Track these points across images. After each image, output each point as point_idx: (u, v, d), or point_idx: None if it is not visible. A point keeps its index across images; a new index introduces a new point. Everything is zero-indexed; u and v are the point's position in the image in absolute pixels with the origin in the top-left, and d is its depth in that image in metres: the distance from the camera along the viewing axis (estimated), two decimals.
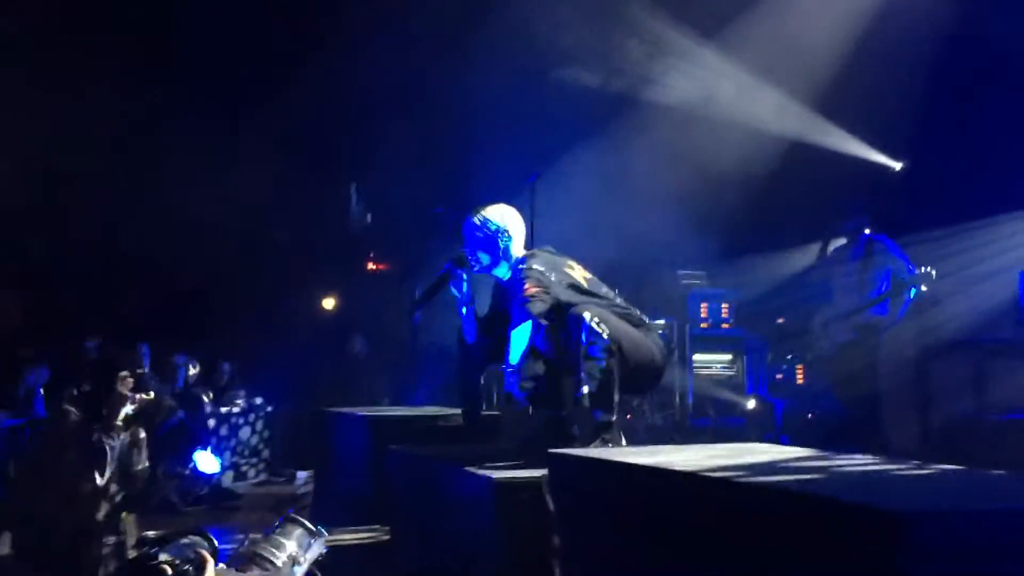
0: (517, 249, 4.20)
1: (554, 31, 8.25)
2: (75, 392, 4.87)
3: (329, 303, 10.50)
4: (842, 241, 6.93)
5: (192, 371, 7.90)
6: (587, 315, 3.83)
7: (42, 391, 7.38)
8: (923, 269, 6.40)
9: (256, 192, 9.41)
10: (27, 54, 9.27)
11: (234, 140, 9.23)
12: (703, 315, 8.58)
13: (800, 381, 8.35)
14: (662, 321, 8.52)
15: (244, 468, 8.16)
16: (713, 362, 8.50)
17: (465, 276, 4.16)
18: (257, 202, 9.44)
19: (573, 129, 8.31)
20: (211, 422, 7.85)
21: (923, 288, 6.34)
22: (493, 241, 4.14)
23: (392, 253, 10.28)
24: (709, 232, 8.66)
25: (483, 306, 4.31)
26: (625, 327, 3.97)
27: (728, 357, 8.53)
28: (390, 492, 4.40)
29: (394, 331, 9.28)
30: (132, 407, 4.77)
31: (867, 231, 6.75)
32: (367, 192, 10.68)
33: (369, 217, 10.97)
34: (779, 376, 8.60)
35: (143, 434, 4.84)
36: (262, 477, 8.31)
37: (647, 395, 8.15)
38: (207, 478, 6.51)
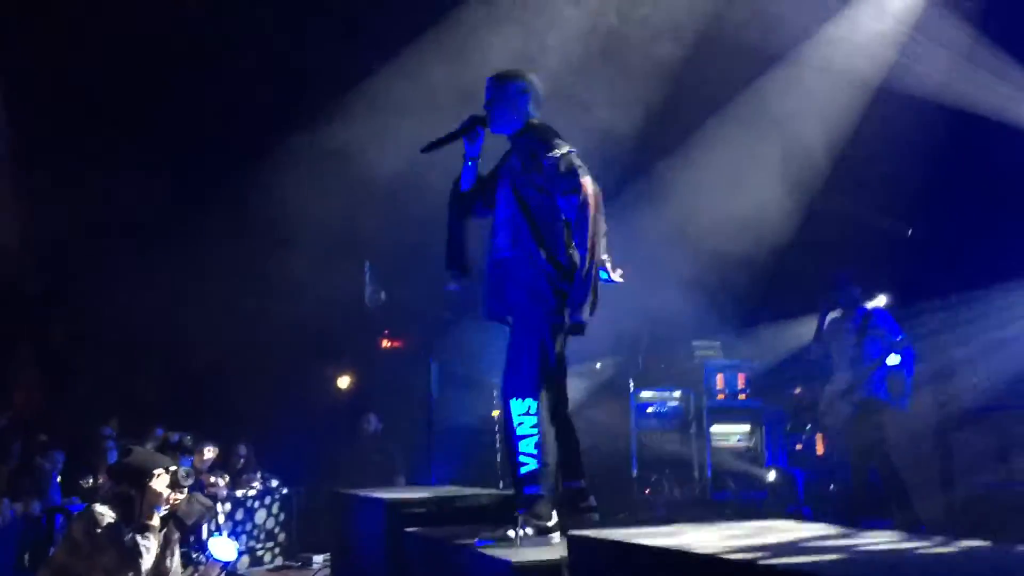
0: (536, 113, 4.12)
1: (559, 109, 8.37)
2: (104, 489, 4.78)
3: (344, 382, 10.49)
4: (837, 313, 6.92)
5: (209, 455, 7.87)
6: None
7: (58, 478, 7.37)
8: (898, 339, 6.44)
9: (268, 272, 9.48)
10: (43, 142, 9.49)
11: (245, 222, 9.31)
12: (719, 386, 8.55)
13: (820, 452, 8.26)
14: (678, 392, 8.51)
15: (260, 553, 8.08)
16: (731, 434, 8.43)
17: (481, 135, 4.10)
18: (270, 282, 9.50)
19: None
20: (227, 506, 7.80)
21: (891, 361, 6.36)
22: (513, 97, 4.08)
23: (406, 330, 10.29)
24: (723, 303, 8.67)
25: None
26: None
27: (746, 428, 8.47)
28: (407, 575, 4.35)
29: (409, 409, 9.26)
30: (166, 508, 4.69)
31: (866, 304, 6.76)
32: (380, 270, 10.73)
33: (383, 295, 11.01)
34: (798, 447, 8.52)
35: (176, 535, 4.76)
36: (278, 562, 8.21)
37: (666, 470, 8.10)
38: (224, 565, 6.43)
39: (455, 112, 4.28)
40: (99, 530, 4.47)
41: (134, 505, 4.56)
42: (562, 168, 3.84)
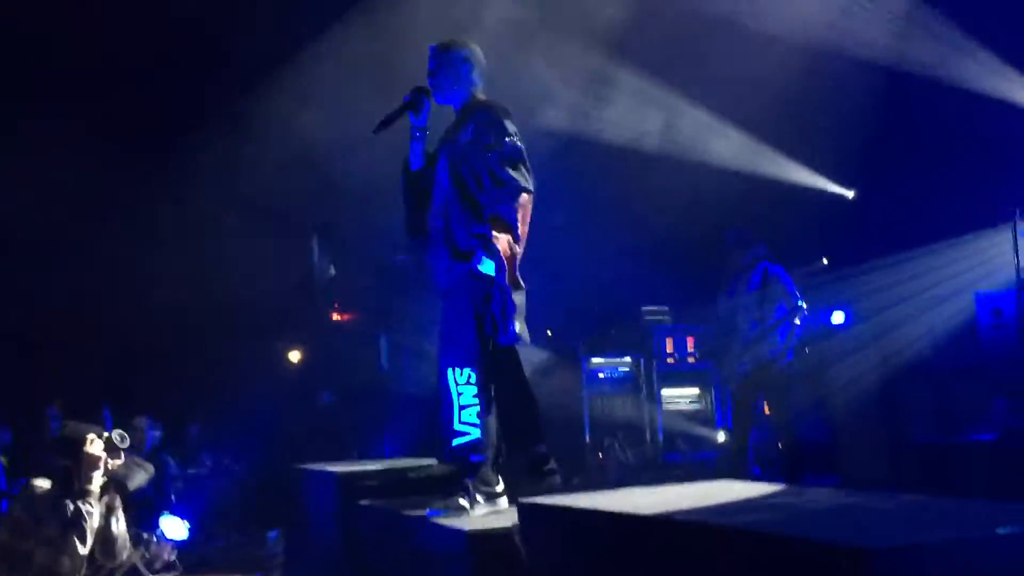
0: (479, 83, 4.10)
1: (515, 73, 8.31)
2: (42, 464, 4.72)
3: (295, 356, 10.41)
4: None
5: (156, 433, 7.78)
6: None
7: (2, 461, 7.23)
8: (800, 303, 6.52)
9: (215, 247, 9.36)
10: None
11: (189, 194, 9.16)
12: (669, 350, 8.63)
13: (768, 412, 8.40)
14: (629, 358, 8.58)
15: (214, 530, 8.02)
16: (681, 397, 8.53)
17: (427, 106, 4.06)
18: (216, 257, 9.38)
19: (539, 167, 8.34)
20: (179, 484, 7.73)
21: (796, 321, 6.45)
22: (456, 66, 4.07)
23: (357, 303, 10.23)
24: (671, 269, 8.74)
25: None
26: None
27: (696, 391, 8.58)
28: (362, 549, 4.35)
29: (362, 382, 9.23)
30: (104, 473, 4.63)
31: (766, 262, 6.79)
32: (329, 243, 10.65)
33: (333, 268, 10.93)
34: None
35: (118, 500, 4.70)
36: (233, 538, 8.16)
37: (618, 434, 8.18)
38: (175, 544, 6.37)
39: (392, 80, 4.24)
40: (38, 503, 4.42)
41: (72, 475, 4.51)
42: (506, 166, 3.79)
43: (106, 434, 4.72)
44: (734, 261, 6.82)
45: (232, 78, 9.18)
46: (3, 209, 9.31)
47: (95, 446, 4.59)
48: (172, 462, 7.67)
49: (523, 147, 3.85)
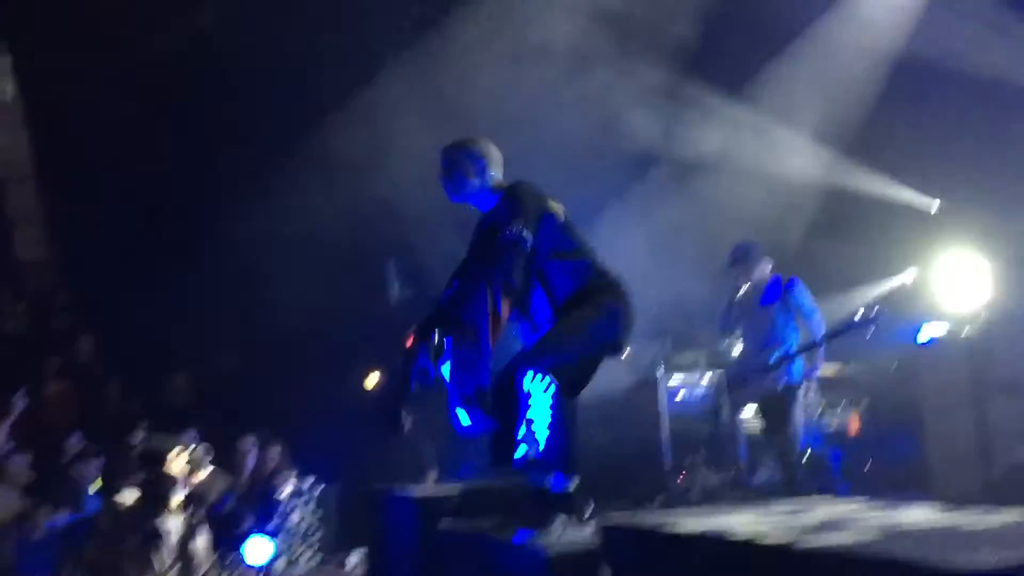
0: (496, 177, 4.12)
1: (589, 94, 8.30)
2: (126, 483, 4.81)
3: (372, 380, 10.50)
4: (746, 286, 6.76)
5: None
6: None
7: (90, 488, 7.41)
8: (817, 317, 6.38)
9: (292, 274, 9.52)
10: (67, 158, 9.59)
11: (268, 224, 9.35)
12: None
13: (855, 429, 8.17)
14: (708, 376, 8.43)
15: (297, 552, 8.10)
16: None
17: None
18: (294, 284, 9.53)
19: (616, 186, 8.29)
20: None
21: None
22: (469, 162, 4.09)
23: None
24: None
25: None
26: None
27: None
28: (443, 571, 4.33)
29: (437, 404, 9.23)
30: (185, 489, 4.70)
31: (778, 276, 6.63)
32: (404, 266, 10.75)
33: (408, 292, 11.03)
34: (832, 426, 8.42)
35: (201, 518, 4.76)
36: (315, 560, 8.23)
37: (699, 453, 8.03)
38: (258, 570, 6.45)
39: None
40: (121, 516, 4.50)
41: (154, 489, 4.58)
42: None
43: (190, 447, 4.79)
44: (742, 274, 6.66)
45: (309, 112, 9.40)
46: (89, 242, 9.66)
47: (176, 462, 4.66)
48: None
49: (521, 238, 3.76)
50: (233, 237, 9.38)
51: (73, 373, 9.88)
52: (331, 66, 8.87)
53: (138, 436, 8.10)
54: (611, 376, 7.08)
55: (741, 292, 6.70)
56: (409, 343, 3.83)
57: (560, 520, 3.66)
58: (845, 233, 8.29)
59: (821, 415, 8.41)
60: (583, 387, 3.87)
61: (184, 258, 10.00)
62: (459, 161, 4.10)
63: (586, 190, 8.11)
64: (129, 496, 4.65)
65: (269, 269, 9.36)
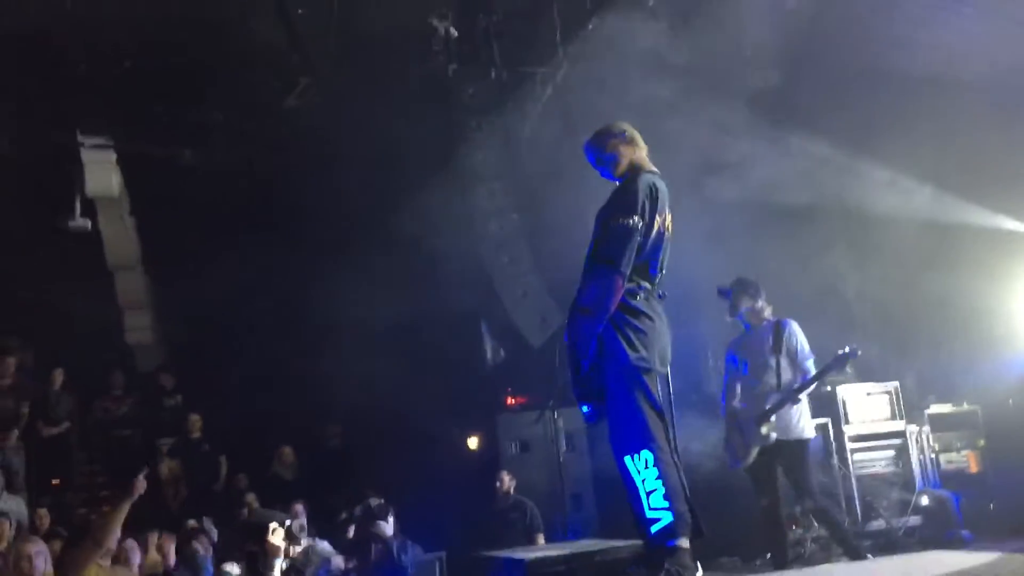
0: (637, 157, 4.20)
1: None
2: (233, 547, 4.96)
3: (473, 442, 10.52)
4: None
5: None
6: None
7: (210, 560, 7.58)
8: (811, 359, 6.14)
9: (389, 340, 9.69)
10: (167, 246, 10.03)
11: (359, 287, 9.55)
12: (857, 411, 8.19)
13: (974, 470, 7.85)
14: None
15: None
16: (875, 460, 8.05)
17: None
18: (391, 349, 9.68)
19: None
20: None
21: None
22: (609, 140, 4.22)
23: (528, 386, 10.30)
24: (859, 328, 8.42)
25: None
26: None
27: (891, 453, 8.07)
28: None
29: (540, 465, 9.22)
30: (286, 560, 4.83)
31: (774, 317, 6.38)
32: (497, 326, 10.82)
33: (502, 352, 11.08)
34: (950, 467, 8.10)
35: None
36: None
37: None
38: None
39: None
40: None
41: (257, 560, 4.74)
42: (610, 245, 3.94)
43: (288, 522, 4.94)
44: (738, 312, 6.42)
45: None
46: (195, 324, 10.01)
47: (277, 535, 4.82)
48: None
49: (635, 227, 3.89)
50: (333, 312, 9.60)
51: (184, 451, 10.21)
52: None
53: (246, 510, 8.31)
54: (713, 427, 6.96)
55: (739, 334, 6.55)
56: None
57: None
58: (951, 266, 8.06)
59: (937, 457, 8.13)
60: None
61: (284, 333, 10.29)
62: (602, 140, 4.26)
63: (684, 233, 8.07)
64: (234, 568, 4.82)
65: (368, 339, 9.52)
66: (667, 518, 3.70)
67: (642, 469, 3.74)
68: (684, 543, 3.71)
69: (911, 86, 7.93)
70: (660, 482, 3.72)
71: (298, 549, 5.05)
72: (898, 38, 7.93)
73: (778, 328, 6.30)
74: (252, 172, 9.84)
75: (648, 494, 3.73)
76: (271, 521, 4.96)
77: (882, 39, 7.97)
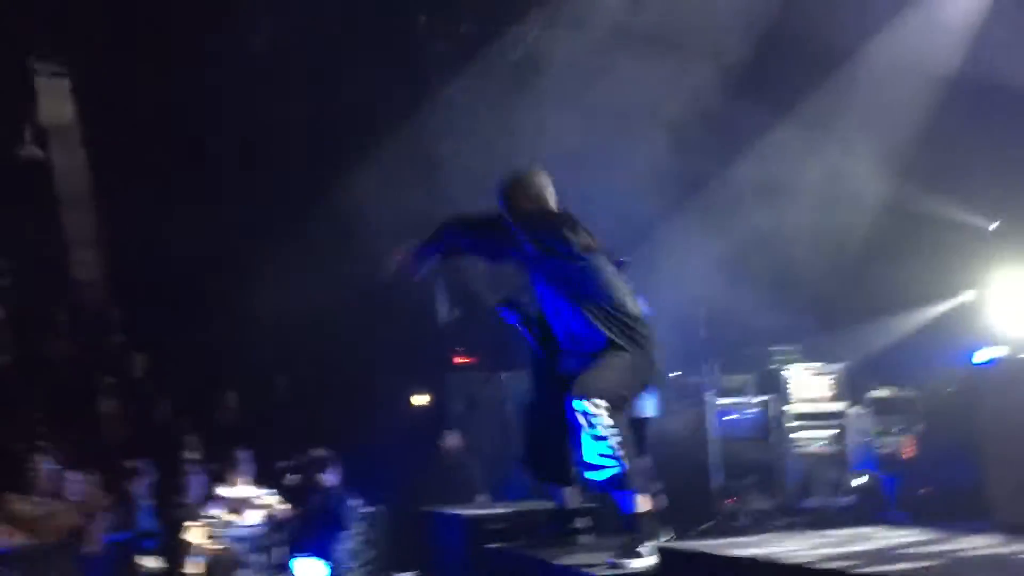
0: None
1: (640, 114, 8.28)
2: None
3: (422, 399, 10.52)
4: None
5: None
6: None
7: (145, 503, 7.52)
8: None
9: (340, 293, 9.60)
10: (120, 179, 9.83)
11: (316, 242, 9.45)
12: (800, 391, 8.33)
13: (910, 454, 8.02)
14: (758, 399, 8.34)
15: (349, 574, 8.10)
16: (815, 439, 8.20)
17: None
18: (341, 303, 9.60)
19: (654, 209, 8.26)
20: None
21: None
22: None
23: (479, 346, 10.30)
24: (802, 305, 8.51)
25: None
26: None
27: (830, 433, 8.23)
28: None
29: (487, 424, 9.25)
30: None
31: None
32: (453, 285, 10.77)
33: (457, 311, 11.04)
34: (886, 450, 8.27)
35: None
36: None
37: (749, 478, 7.93)
38: None
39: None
40: None
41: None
42: None
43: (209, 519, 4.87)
44: None
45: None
46: (142, 261, 9.86)
47: (192, 533, 4.77)
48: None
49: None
50: (286, 260, 9.49)
51: (125, 391, 10.07)
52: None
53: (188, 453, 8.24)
54: (659, 398, 7.03)
55: None
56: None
57: (647, 549, 3.54)
58: (903, 254, 8.17)
59: (875, 439, 8.29)
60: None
61: (236, 279, 10.14)
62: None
63: (643, 215, 8.11)
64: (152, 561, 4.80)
65: (315, 285, 9.43)
66: (615, 468, 3.68)
67: (594, 414, 3.68)
68: (639, 496, 3.70)
69: (880, 73, 7.99)
70: (615, 430, 3.69)
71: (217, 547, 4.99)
72: (871, 25, 8.00)
73: None
74: (213, 108, 9.60)
75: (595, 440, 3.68)
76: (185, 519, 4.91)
77: (856, 25, 8.03)
